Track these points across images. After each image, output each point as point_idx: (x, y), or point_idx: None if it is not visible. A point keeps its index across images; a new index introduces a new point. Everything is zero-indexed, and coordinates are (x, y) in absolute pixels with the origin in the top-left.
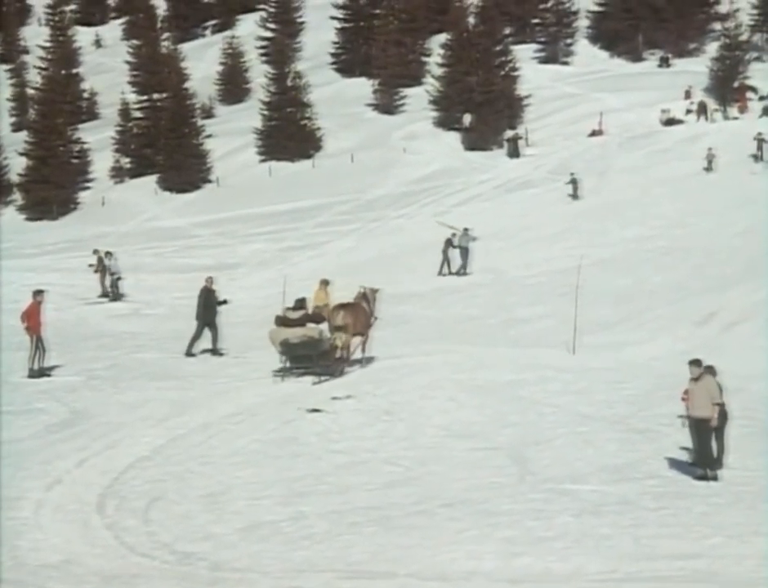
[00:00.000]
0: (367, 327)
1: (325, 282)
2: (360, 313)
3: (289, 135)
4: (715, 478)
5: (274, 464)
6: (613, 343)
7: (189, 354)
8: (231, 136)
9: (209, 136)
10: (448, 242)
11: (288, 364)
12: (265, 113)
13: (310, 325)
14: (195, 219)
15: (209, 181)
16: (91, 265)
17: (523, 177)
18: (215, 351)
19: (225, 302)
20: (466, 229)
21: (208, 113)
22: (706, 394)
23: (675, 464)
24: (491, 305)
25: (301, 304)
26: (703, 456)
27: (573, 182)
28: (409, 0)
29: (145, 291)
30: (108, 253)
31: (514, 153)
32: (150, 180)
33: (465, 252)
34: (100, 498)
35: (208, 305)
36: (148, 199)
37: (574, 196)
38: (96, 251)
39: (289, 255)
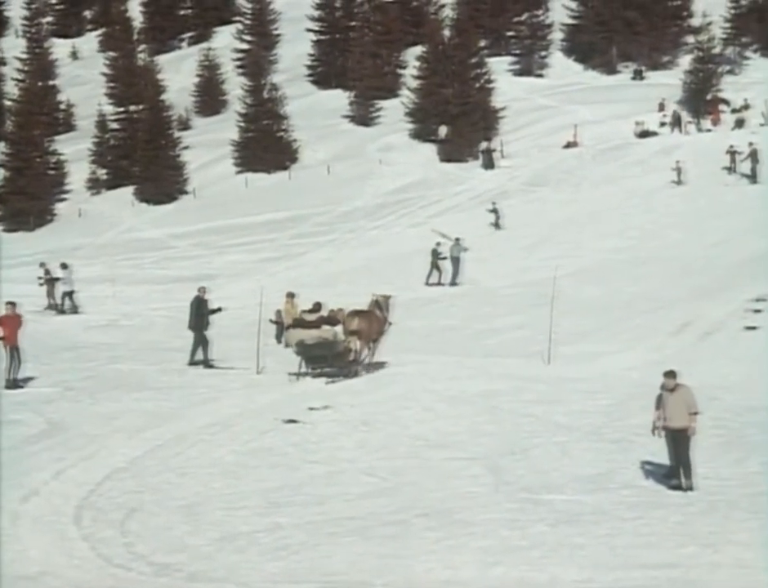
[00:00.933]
0: (380, 334)
1: (291, 295)
2: (374, 320)
3: (266, 146)
4: (691, 488)
5: (251, 475)
6: (589, 353)
7: (192, 363)
8: (208, 148)
9: (186, 148)
10: (435, 252)
11: (304, 365)
12: (242, 124)
13: (325, 327)
14: (172, 230)
15: (186, 193)
16: (39, 278)
17: (498, 189)
18: (206, 362)
19: (219, 310)
20: (457, 239)
21: (185, 125)
22: (683, 405)
23: (650, 473)
24: (467, 315)
25: (316, 307)
26: (681, 466)
27: (495, 211)
28: (385, 13)
29: (122, 302)
30: (63, 265)
31: (489, 164)
32: (127, 192)
33: (456, 262)
34: (77, 509)
35: (201, 315)
36: (124, 211)
37: (496, 225)
38: (42, 264)
39: (266, 266)
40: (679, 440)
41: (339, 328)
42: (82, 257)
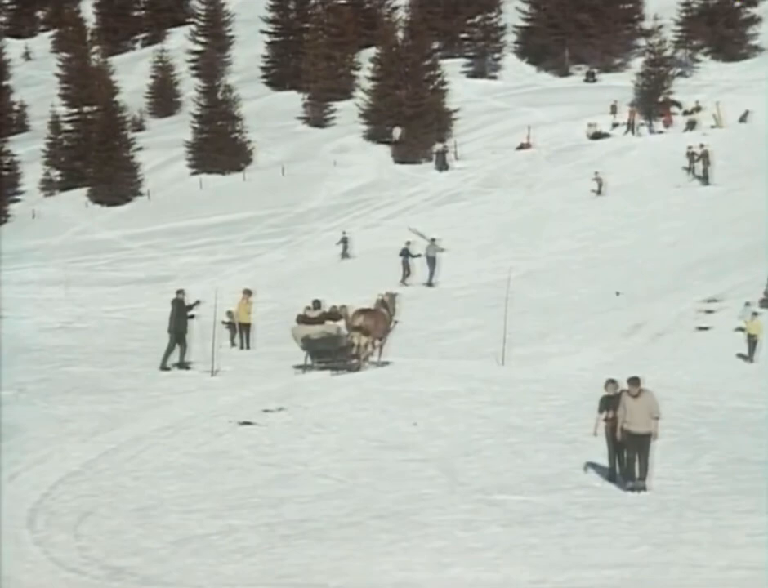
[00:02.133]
0: (386, 332)
1: (248, 293)
2: (380, 318)
3: (220, 148)
4: (644, 489)
5: (206, 477)
6: (542, 354)
7: (163, 367)
8: (162, 149)
9: (140, 149)
10: (405, 251)
11: (309, 359)
12: (196, 126)
13: (329, 322)
14: (126, 232)
15: (140, 194)
16: None
17: (452, 190)
18: (182, 364)
19: (197, 303)
20: (432, 240)
21: (139, 126)
22: (646, 410)
23: (603, 474)
24: (421, 316)
25: (316, 305)
26: (639, 469)
27: (344, 241)
28: (338, 14)
29: (75, 304)
30: None
31: (443, 166)
32: (81, 193)
33: (432, 262)
34: (31, 513)
35: (180, 318)
36: (78, 212)
37: (344, 255)
38: None
39: (221, 267)
40: (642, 444)
41: (342, 324)
42: (35, 259)
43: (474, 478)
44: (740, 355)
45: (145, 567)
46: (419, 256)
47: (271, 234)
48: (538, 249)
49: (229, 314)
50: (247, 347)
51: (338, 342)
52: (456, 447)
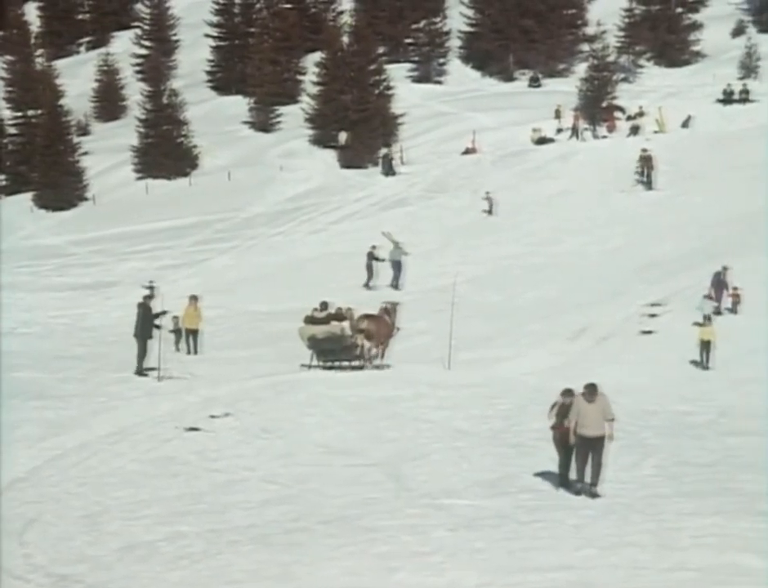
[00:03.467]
0: (388, 337)
1: (194, 298)
2: (382, 324)
3: (166, 152)
4: (597, 495)
5: (152, 483)
6: (488, 359)
7: (139, 372)
8: (107, 154)
9: (85, 154)
10: (371, 256)
11: (315, 358)
12: (142, 130)
13: (334, 323)
14: (72, 237)
15: (85, 199)
16: None
17: (398, 195)
18: (139, 370)
19: (164, 313)
20: (397, 243)
21: (84, 131)
22: (600, 414)
23: (548, 478)
24: None
25: (323, 306)
26: (591, 473)
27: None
28: (284, 19)
29: (21, 309)
30: None
31: (389, 171)
32: (26, 198)
33: (398, 266)
34: None
35: (146, 323)
36: (23, 217)
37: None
38: None
39: (167, 273)
40: (596, 447)
41: (346, 324)
42: None
43: (420, 482)
44: (693, 362)
45: (90, 575)
46: (384, 260)
47: (218, 239)
48: (483, 253)
49: (175, 319)
50: (195, 352)
51: (342, 342)
52: (403, 452)
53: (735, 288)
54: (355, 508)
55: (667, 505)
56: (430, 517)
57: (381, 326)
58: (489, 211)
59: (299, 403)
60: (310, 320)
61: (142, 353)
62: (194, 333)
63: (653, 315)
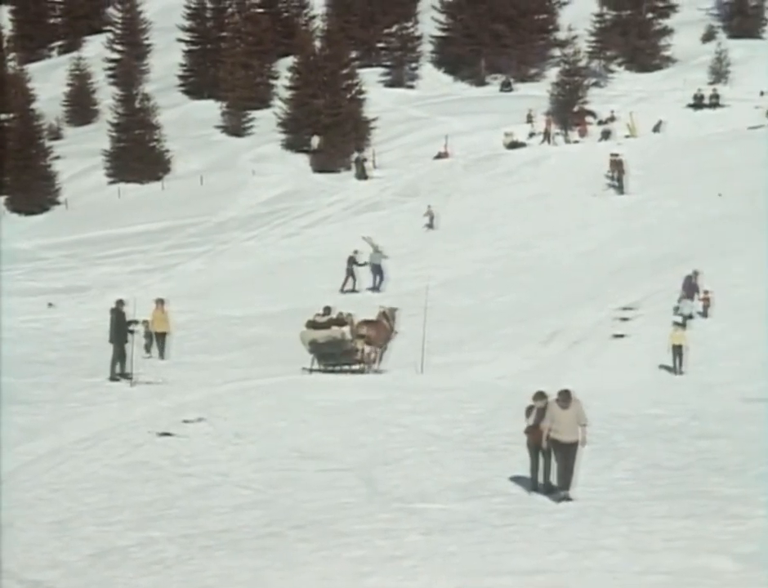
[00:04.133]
0: (386, 341)
1: (161, 302)
2: (381, 329)
3: (138, 157)
4: (569, 498)
5: (125, 489)
6: (461, 363)
7: (113, 378)
8: (79, 158)
9: (57, 158)
10: (352, 260)
11: (316, 361)
12: (114, 134)
13: (335, 327)
14: (44, 241)
15: (57, 203)
16: None
17: (371, 199)
18: (124, 374)
19: (135, 322)
20: (377, 247)
21: (56, 135)
22: (575, 419)
23: (521, 481)
24: None
25: (326, 311)
26: (568, 477)
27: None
28: (256, 23)
29: None
30: None
31: (361, 175)
32: None
33: (378, 269)
34: None
35: (120, 328)
36: None
37: None
38: None
39: (139, 277)
40: (570, 452)
41: (346, 329)
42: None
43: (393, 487)
44: (665, 367)
45: (62, 581)
46: (365, 264)
47: (190, 244)
48: (456, 257)
49: (144, 323)
50: (161, 357)
51: (343, 346)
52: (375, 456)
53: (706, 292)
54: (328, 513)
55: (639, 509)
56: (403, 521)
57: (380, 330)
58: (430, 225)
59: (272, 408)
60: (312, 324)
61: (116, 358)
62: (162, 337)
63: (624, 319)
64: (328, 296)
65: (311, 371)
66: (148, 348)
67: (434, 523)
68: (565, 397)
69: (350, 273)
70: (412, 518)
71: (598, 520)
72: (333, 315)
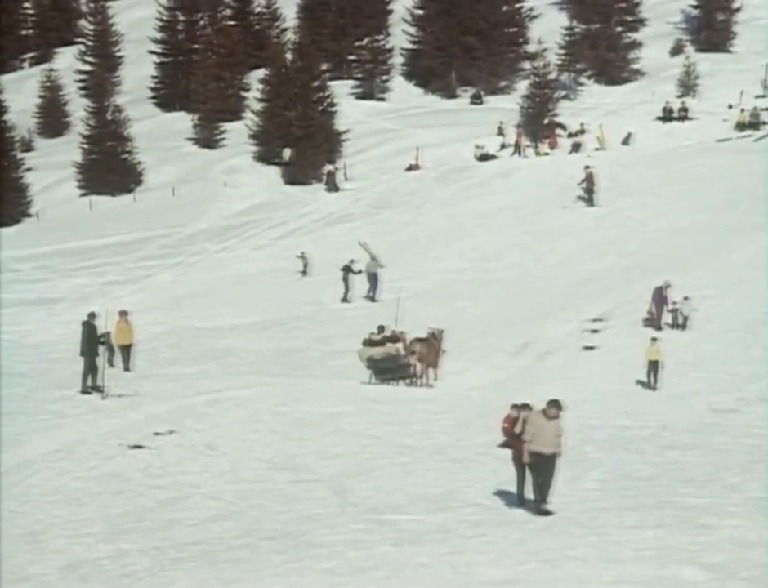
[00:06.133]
0: (437, 358)
1: (124, 313)
2: (432, 347)
3: (110, 168)
4: (550, 512)
5: (96, 501)
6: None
7: (84, 391)
8: (51, 170)
9: (29, 170)
10: (347, 268)
11: (373, 376)
12: (85, 146)
13: (389, 344)
14: (15, 253)
15: (29, 215)
16: None
17: (342, 211)
18: (96, 387)
19: (103, 343)
20: (373, 255)
21: (28, 146)
22: (556, 432)
23: (492, 492)
24: (312, 337)
25: (380, 329)
26: (546, 489)
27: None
28: (228, 35)
29: None
30: None
31: (333, 187)
32: None
33: (374, 278)
34: None
35: (91, 341)
36: None
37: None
38: None
39: (111, 289)
40: (550, 465)
41: (400, 345)
42: None
43: (365, 498)
44: (640, 382)
45: None
46: (360, 272)
47: (162, 255)
48: (426, 269)
49: (108, 334)
50: (127, 369)
51: (397, 361)
52: (347, 468)
53: (675, 303)
54: (300, 524)
55: (609, 519)
56: (375, 532)
57: (431, 348)
58: (304, 272)
59: (243, 420)
60: (368, 342)
61: (87, 371)
62: (127, 349)
63: (594, 331)
64: (300, 306)
65: (370, 383)
66: (111, 361)
67: (405, 534)
68: (554, 406)
69: (346, 283)
70: (383, 529)
71: (568, 530)
72: (387, 333)
